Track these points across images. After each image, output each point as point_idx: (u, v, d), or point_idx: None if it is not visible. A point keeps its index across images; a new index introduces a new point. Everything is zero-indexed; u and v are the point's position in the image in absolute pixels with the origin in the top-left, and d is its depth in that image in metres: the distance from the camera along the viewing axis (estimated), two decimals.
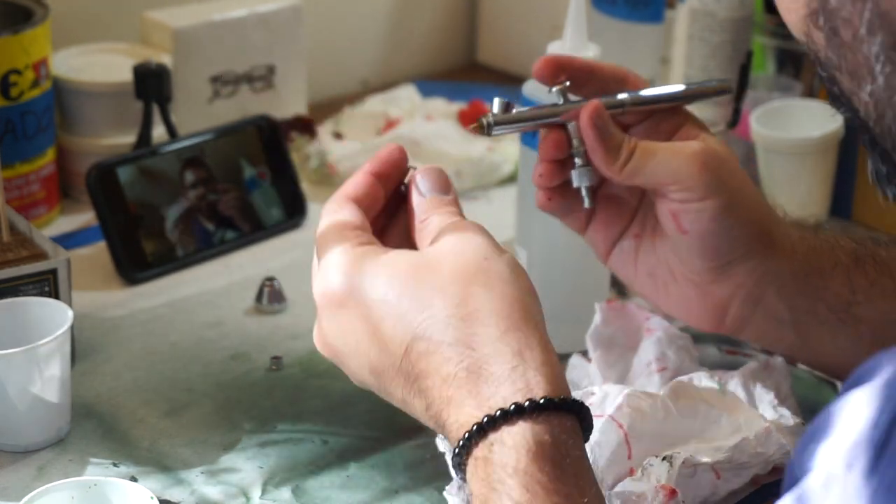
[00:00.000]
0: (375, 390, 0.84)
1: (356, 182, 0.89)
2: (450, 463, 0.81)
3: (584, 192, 0.96)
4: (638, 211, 0.99)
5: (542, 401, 0.76)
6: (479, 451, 0.76)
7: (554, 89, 0.95)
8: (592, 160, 0.95)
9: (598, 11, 1.44)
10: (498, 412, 0.76)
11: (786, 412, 0.96)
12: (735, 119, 1.29)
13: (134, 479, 0.96)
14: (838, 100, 0.73)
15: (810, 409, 1.04)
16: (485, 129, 0.93)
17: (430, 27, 1.70)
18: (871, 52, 0.68)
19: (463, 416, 0.77)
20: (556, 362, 0.80)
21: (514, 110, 0.94)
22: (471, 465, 0.77)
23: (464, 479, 0.78)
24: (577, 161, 0.95)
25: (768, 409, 0.96)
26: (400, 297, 0.80)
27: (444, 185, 0.89)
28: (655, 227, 0.98)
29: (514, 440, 0.75)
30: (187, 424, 1.03)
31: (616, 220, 0.99)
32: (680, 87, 0.98)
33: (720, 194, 0.94)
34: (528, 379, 0.77)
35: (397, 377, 0.81)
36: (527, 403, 0.76)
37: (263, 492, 0.96)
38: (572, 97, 0.96)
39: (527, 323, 0.80)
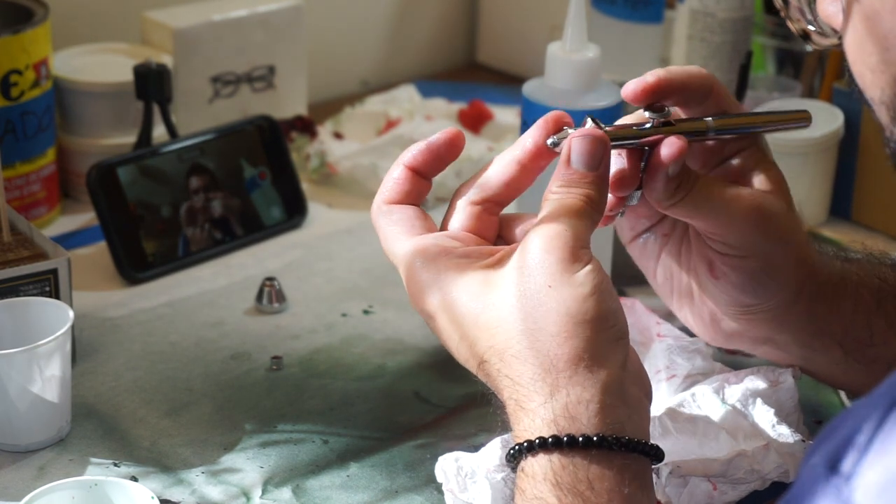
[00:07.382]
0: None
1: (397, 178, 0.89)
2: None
3: (622, 209, 0.92)
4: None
5: (565, 438, 0.79)
6: (518, 473, 0.82)
7: (647, 114, 0.90)
8: (645, 187, 0.90)
9: (598, 11, 1.45)
10: (525, 443, 0.80)
11: (785, 430, 0.95)
12: None
13: (134, 478, 0.96)
14: None
15: (811, 409, 1.04)
16: None
17: (430, 27, 1.70)
18: None
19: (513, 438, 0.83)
20: (598, 398, 0.80)
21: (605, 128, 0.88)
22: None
23: None
24: None
25: (767, 427, 0.95)
26: (477, 320, 0.83)
27: (593, 159, 0.85)
28: (684, 236, 0.96)
29: (533, 469, 0.80)
30: (188, 424, 1.03)
31: (646, 215, 0.96)
32: (756, 112, 0.91)
33: (762, 255, 0.92)
34: (556, 417, 0.80)
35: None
36: (537, 441, 0.80)
37: (264, 491, 0.96)
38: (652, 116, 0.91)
39: (574, 359, 0.80)
